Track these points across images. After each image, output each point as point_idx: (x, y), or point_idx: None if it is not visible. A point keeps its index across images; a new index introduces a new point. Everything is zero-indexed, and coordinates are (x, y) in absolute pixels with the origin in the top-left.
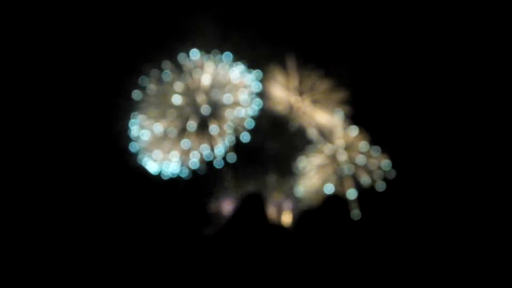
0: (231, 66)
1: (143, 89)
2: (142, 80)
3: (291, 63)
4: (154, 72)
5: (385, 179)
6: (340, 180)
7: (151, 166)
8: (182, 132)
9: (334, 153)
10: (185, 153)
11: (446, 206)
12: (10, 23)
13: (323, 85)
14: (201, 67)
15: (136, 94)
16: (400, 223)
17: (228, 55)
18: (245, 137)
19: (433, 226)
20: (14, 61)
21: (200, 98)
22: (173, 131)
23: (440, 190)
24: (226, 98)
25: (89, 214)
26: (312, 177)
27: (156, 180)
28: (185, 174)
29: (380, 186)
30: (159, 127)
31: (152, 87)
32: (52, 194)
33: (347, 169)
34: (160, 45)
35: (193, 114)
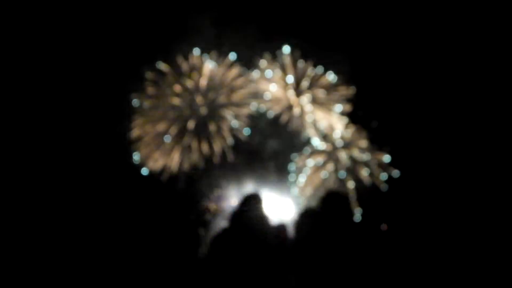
0: (229, 66)
1: (141, 91)
2: (140, 82)
3: (290, 62)
4: (152, 74)
5: (388, 178)
6: (340, 178)
7: (149, 168)
8: (181, 133)
9: (333, 151)
10: (184, 154)
11: (450, 206)
12: (10, 26)
13: (323, 83)
14: (199, 68)
15: (134, 97)
16: (404, 222)
17: (229, 55)
18: (246, 133)
19: (436, 226)
20: (12, 62)
21: (199, 99)
22: (172, 133)
23: (445, 189)
24: (225, 98)
25: (88, 215)
26: (312, 176)
27: (154, 181)
28: (184, 175)
29: (383, 185)
30: (158, 129)
31: (150, 89)
32: (51, 194)
33: (343, 173)
34: (158, 47)
35: (191, 115)
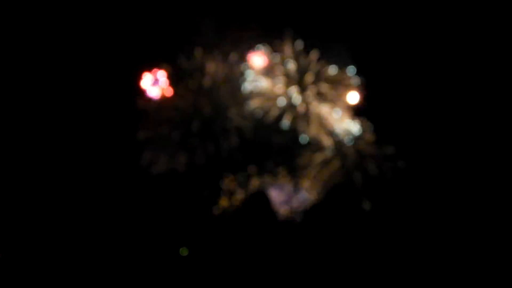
0: (233, 64)
1: (146, 92)
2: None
3: (294, 56)
4: (156, 74)
5: (393, 170)
6: (346, 173)
7: (159, 167)
8: (187, 133)
9: (339, 146)
10: (191, 153)
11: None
12: (15, 28)
13: (327, 76)
14: (202, 67)
15: (140, 98)
16: (409, 216)
17: (232, 53)
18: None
19: (440, 220)
20: (21, 63)
21: (203, 98)
22: (177, 133)
23: (449, 182)
24: (229, 96)
25: (99, 214)
26: (319, 171)
27: (163, 180)
28: (192, 172)
29: (389, 177)
30: (164, 130)
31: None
32: (59, 195)
33: (350, 167)
34: (160, 47)
35: (196, 115)
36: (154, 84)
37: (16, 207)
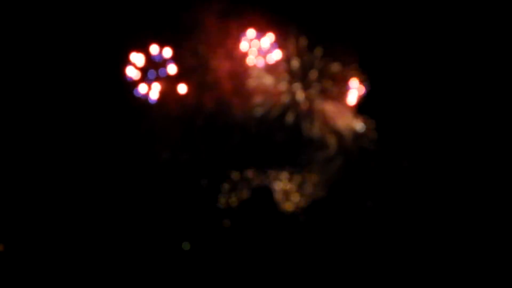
0: (237, 60)
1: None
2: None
3: (297, 53)
4: (161, 70)
5: (397, 168)
6: (349, 171)
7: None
8: (190, 130)
9: (341, 143)
10: (195, 149)
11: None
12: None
13: (331, 74)
14: (206, 63)
15: (141, 92)
16: (411, 215)
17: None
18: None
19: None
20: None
21: (208, 95)
22: (180, 130)
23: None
24: (233, 93)
25: (101, 210)
26: (322, 168)
27: (166, 175)
28: (195, 168)
29: (392, 175)
30: (167, 126)
31: (158, 85)
32: (62, 189)
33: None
34: (165, 43)
35: (200, 111)
36: (155, 71)
37: (20, 201)
